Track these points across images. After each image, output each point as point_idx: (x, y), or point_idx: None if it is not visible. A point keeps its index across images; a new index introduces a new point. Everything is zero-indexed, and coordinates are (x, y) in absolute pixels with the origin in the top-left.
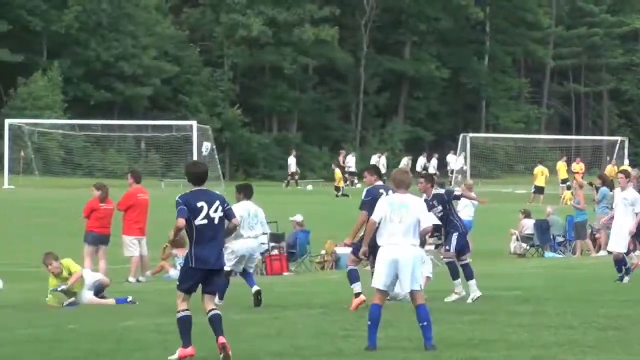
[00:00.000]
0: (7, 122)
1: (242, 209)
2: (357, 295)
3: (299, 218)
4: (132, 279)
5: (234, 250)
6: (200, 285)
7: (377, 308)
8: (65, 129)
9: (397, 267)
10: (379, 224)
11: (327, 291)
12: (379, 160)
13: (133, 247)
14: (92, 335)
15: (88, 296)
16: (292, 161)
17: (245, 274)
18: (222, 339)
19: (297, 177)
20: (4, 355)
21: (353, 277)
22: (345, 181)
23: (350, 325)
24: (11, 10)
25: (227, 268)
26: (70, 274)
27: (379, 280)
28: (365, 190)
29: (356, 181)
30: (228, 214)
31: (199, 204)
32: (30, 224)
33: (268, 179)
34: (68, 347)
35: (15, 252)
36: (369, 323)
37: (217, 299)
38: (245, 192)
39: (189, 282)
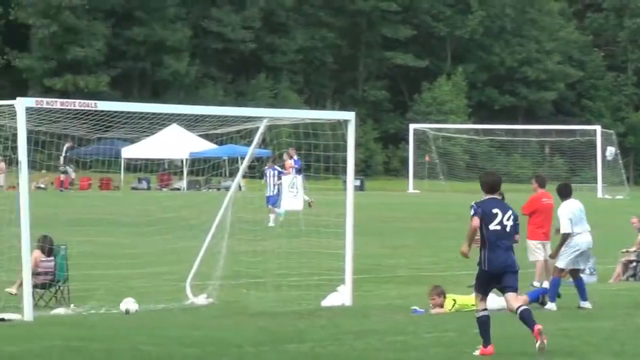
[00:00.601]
0: (412, 126)
1: (571, 208)
2: None
3: None
4: (536, 283)
5: (576, 244)
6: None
7: None
8: (470, 133)
9: None
10: None
11: None
12: None
13: (538, 251)
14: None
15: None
16: None
17: (578, 281)
18: (537, 327)
19: None
20: (416, 358)
21: None
22: None
23: None
24: (415, 16)
25: (561, 265)
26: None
27: None
28: None
29: None
30: (516, 228)
31: (494, 210)
32: (438, 229)
33: None
34: (471, 350)
35: (417, 257)
36: None
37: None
38: (566, 192)
39: (483, 283)
